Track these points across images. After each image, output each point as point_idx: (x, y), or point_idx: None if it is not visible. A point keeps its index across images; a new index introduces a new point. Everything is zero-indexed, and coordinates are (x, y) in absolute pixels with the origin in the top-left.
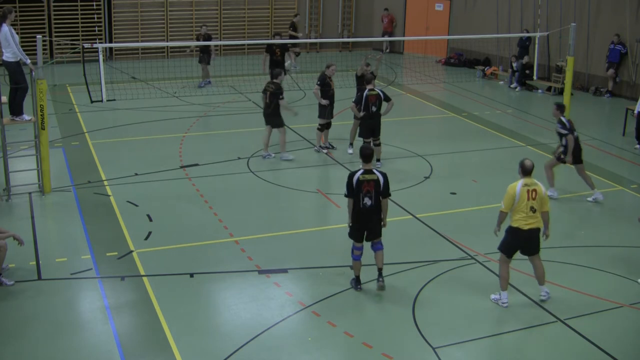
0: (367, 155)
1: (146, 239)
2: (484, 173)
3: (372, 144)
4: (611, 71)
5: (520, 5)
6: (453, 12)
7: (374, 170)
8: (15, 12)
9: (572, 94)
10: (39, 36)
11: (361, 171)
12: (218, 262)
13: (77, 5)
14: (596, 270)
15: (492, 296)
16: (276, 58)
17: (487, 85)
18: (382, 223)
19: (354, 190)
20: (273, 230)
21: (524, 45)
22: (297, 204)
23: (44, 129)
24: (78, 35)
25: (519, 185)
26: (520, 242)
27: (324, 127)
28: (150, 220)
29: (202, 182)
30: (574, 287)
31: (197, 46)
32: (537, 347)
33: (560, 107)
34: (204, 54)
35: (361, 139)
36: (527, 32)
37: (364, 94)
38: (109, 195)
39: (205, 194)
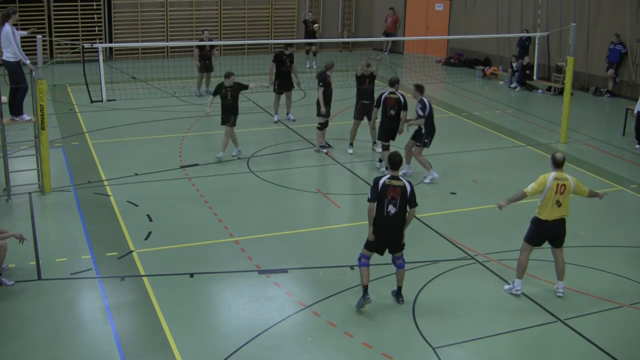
0: (395, 162)
1: (146, 239)
2: (484, 173)
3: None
4: (611, 71)
5: (520, 5)
6: (453, 12)
7: (401, 178)
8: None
9: (572, 94)
10: (39, 36)
11: (388, 176)
12: (218, 262)
13: (77, 5)
14: (596, 270)
15: (506, 287)
16: (285, 69)
17: (487, 85)
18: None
19: (377, 195)
20: (273, 230)
21: (524, 45)
22: (297, 204)
23: (44, 129)
24: (78, 35)
25: (550, 177)
26: (547, 233)
27: (324, 125)
28: (150, 220)
29: (202, 182)
30: (574, 287)
31: (202, 52)
32: (537, 347)
33: (419, 88)
34: (210, 61)
35: (362, 140)
36: (527, 32)
37: (383, 96)
38: (109, 195)
39: (205, 194)
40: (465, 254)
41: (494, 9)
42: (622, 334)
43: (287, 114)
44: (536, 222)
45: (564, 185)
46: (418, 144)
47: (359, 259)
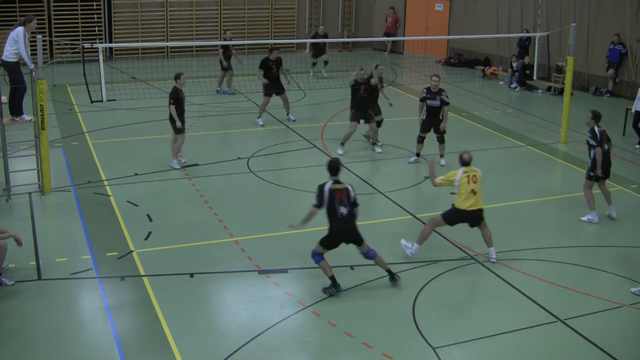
0: (335, 168)
1: (146, 239)
2: (483, 173)
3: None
4: (611, 71)
5: (520, 5)
6: (453, 12)
7: (341, 181)
8: (16, 12)
9: (572, 94)
10: (39, 36)
11: (330, 182)
12: (218, 262)
13: (77, 5)
14: (596, 270)
15: (403, 241)
16: (272, 74)
17: (487, 85)
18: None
19: (325, 201)
20: (273, 230)
21: (524, 45)
22: (297, 204)
23: (44, 129)
24: (78, 35)
25: (459, 172)
26: (464, 220)
27: (378, 124)
28: (150, 220)
29: (202, 182)
30: (574, 287)
31: (225, 52)
32: (537, 347)
33: (595, 115)
34: (229, 60)
35: (362, 140)
36: (527, 32)
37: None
38: (109, 195)
39: (205, 194)
40: (465, 254)
41: (494, 9)
42: (622, 334)
43: (287, 114)
44: (455, 210)
45: (475, 175)
46: (586, 176)
47: (313, 257)
